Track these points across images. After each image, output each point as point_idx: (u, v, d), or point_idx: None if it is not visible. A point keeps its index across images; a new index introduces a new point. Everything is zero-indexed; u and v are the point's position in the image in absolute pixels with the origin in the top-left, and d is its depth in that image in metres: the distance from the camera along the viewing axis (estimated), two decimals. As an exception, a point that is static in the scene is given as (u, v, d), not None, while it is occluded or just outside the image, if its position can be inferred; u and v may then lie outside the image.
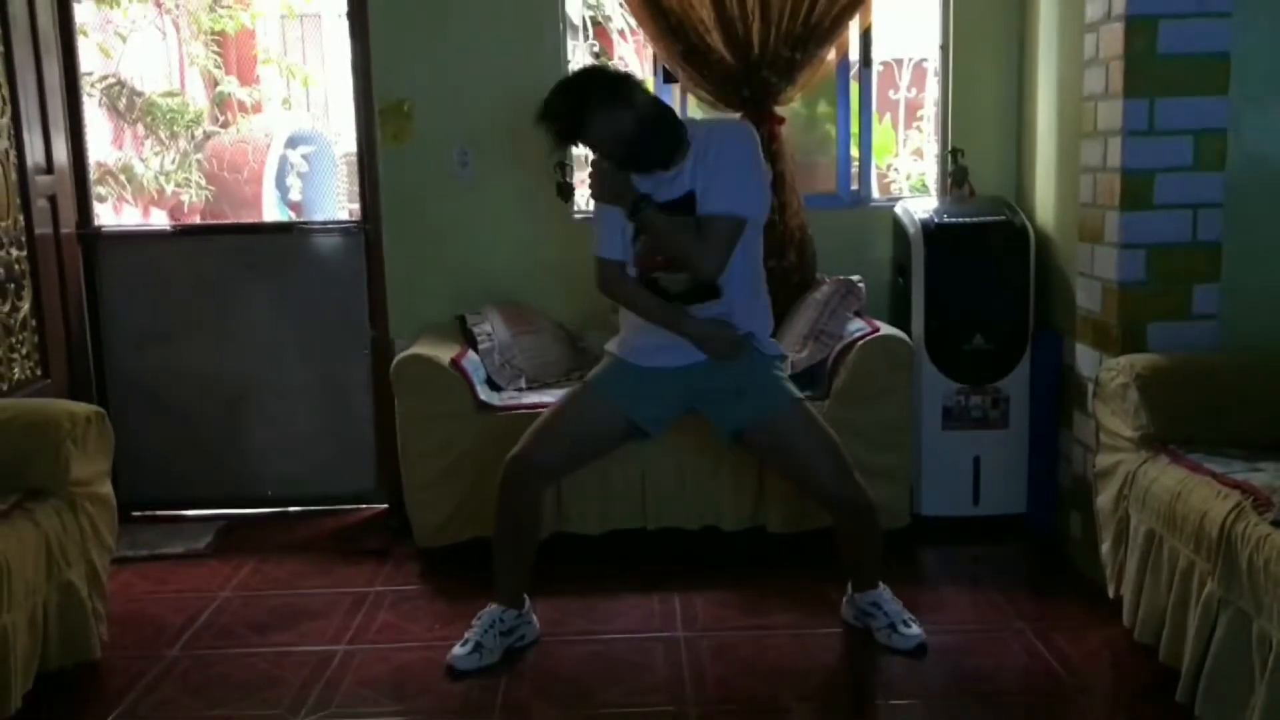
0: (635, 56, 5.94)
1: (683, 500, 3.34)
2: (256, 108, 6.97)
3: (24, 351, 3.45)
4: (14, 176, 3.41)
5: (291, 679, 2.70)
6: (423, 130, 3.81)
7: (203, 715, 2.57)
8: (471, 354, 3.49)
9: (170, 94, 6.43)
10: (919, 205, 3.64)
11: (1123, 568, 2.73)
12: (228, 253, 3.99)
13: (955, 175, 3.72)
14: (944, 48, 3.88)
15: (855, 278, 3.58)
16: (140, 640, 2.94)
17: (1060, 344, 3.44)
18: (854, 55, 3.89)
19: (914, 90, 6.28)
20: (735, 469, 3.30)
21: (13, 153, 3.41)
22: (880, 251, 3.86)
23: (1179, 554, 2.45)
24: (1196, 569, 2.37)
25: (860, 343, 3.30)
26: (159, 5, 6.37)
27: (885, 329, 3.38)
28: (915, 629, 2.79)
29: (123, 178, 6.11)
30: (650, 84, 3.85)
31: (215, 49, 6.80)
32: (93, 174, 4.22)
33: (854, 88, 3.93)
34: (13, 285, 3.40)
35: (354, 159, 4.28)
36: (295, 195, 6.87)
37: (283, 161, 6.76)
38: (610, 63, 5.48)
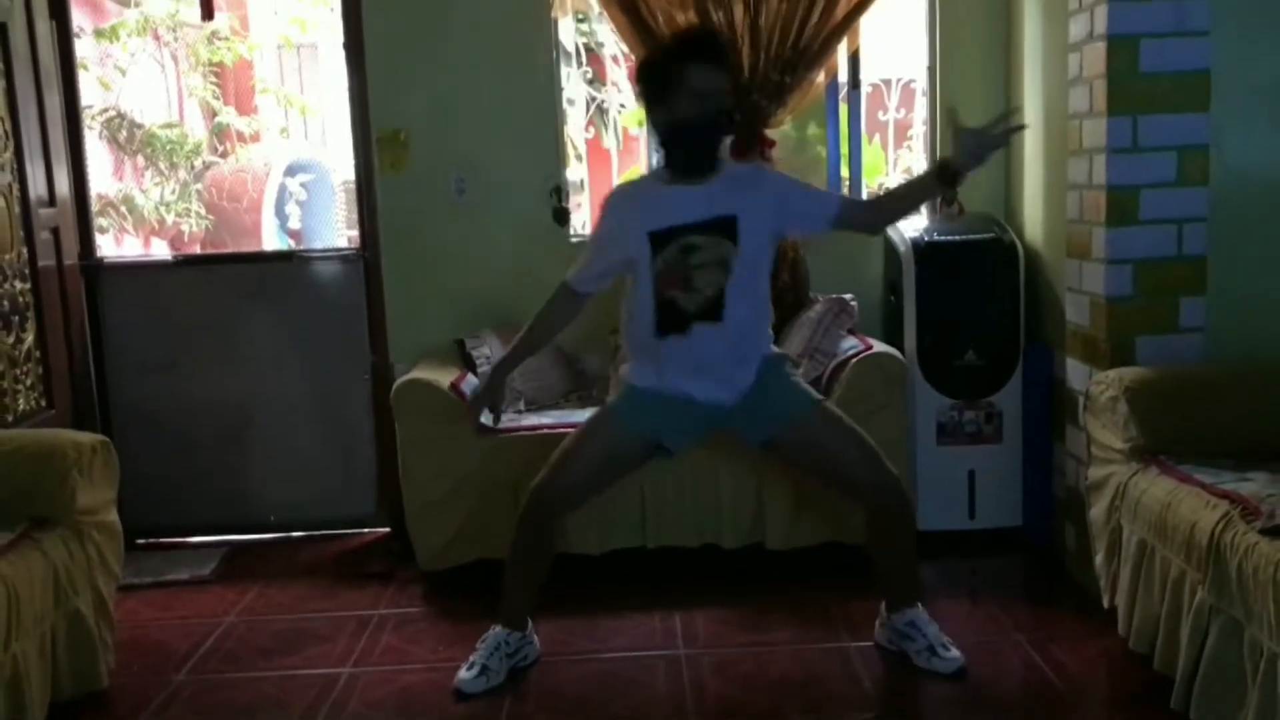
0: (628, 82, 6.00)
1: (682, 518, 3.36)
2: (255, 137, 7.03)
3: (29, 383, 3.48)
4: (17, 209, 3.45)
5: (297, 702, 2.72)
6: (420, 158, 3.86)
7: (210, 739, 2.60)
8: (471, 377, 3.52)
9: (169, 125, 6.50)
10: (909, 224, 3.67)
11: (1116, 578, 2.76)
12: (229, 281, 4.04)
13: (945, 194, 3.76)
14: (931, 69, 3.94)
15: (848, 296, 3.62)
16: (147, 666, 2.95)
17: (1051, 358, 3.48)
18: (843, 77, 3.94)
19: (903, 111, 6.35)
20: (734, 487, 3.33)
21: (16, 186, 3.44)
22: (872, 270, 3.91)
23: (1170, 564, 2.48)
24: (1188, 578, 2.40)
25: (854, 360, 3.34)
26: (158, 38, 6.44)
27: (878, 346, 3.42)
28: (954, 651, 2.76)
29: (124, 209, 6.16)
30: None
31: (214, 80, 6.87)
32: (94, 205, 4.27)
33: (843, 109, 3.98)
34: (17, 317, 3.43)
35: (353, 187, 4.33)
36: (294, 223, 6.91)
37: (282, 190, 6.81)
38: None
